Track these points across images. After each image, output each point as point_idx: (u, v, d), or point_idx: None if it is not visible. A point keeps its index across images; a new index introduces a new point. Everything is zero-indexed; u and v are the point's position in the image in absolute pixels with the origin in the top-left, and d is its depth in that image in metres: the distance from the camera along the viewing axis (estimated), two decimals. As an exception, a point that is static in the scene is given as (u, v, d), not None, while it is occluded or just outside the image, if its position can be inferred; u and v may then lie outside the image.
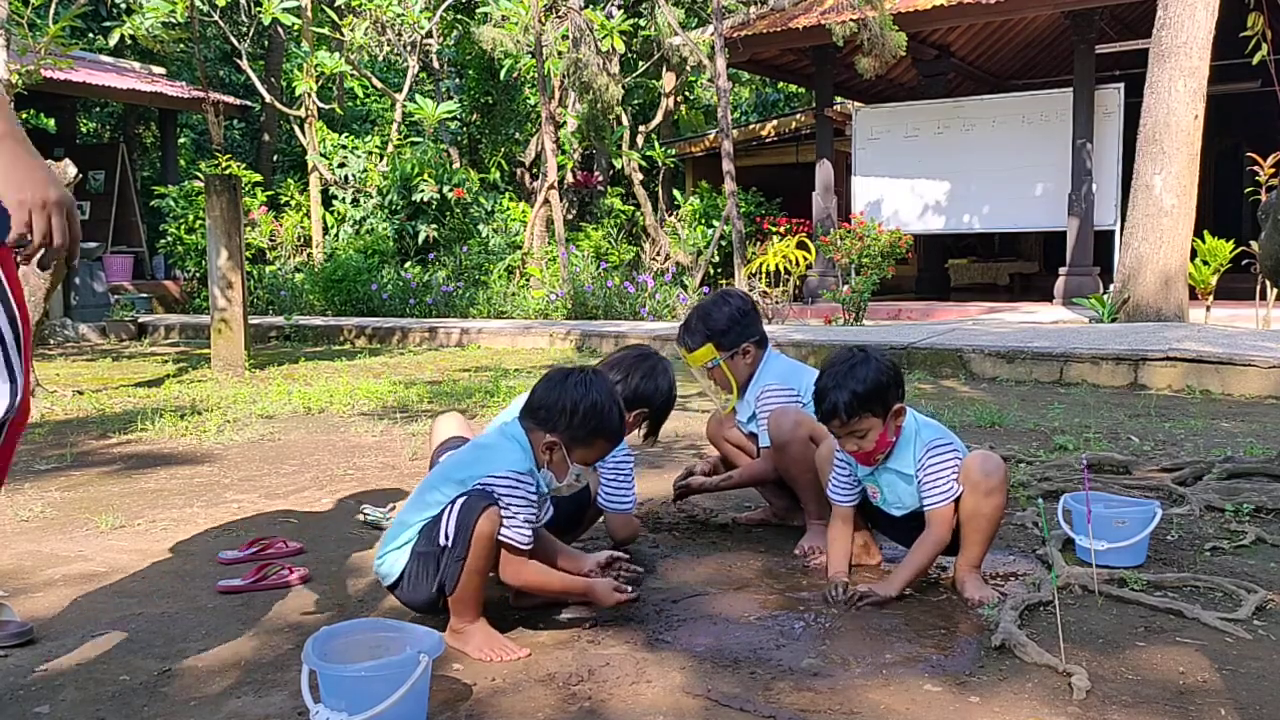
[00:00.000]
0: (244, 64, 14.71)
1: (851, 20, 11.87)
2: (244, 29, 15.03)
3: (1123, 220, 10.96)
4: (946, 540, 2.72)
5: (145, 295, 14.78)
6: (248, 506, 3.85)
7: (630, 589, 2.53)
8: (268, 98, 15.15)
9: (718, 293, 3.56)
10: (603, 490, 3.00)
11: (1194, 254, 10.31)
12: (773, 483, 3.44)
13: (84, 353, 10.27)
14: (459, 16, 16.85)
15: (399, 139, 15.32)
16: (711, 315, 3.37)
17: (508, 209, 14.91)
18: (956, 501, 2.70)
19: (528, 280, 13.16)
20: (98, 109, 21.21)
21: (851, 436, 2.70)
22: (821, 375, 2.73)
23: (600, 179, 16.46)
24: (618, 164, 15.69)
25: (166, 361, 9.13)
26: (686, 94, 19.43)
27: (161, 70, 17.72)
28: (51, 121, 18.69)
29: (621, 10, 15.64)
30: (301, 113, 15.13)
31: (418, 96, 15.49)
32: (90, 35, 18.01)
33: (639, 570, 2.77)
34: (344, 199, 15.19)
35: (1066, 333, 8.26)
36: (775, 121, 17.98)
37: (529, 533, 2.40)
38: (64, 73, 12.71)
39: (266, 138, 19.51)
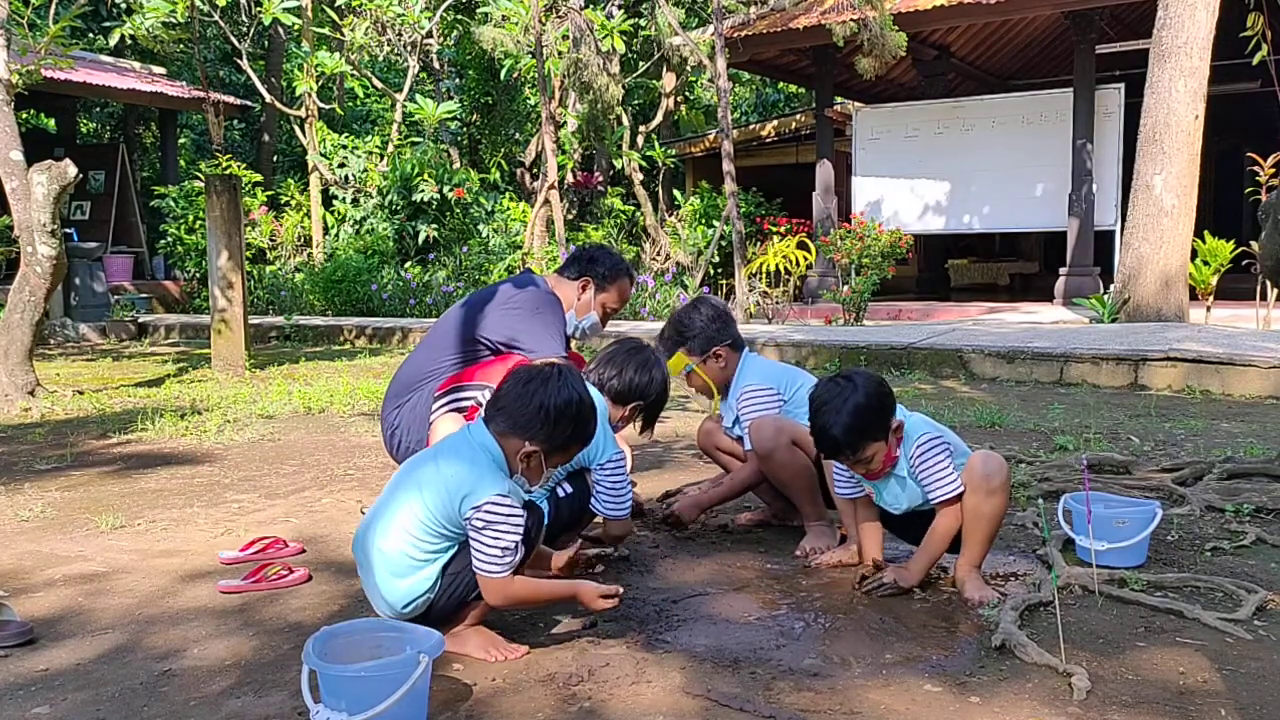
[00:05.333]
0: (244, 64, 14.70)
1: (851, 20, 11.86)
2: (244, 29, 15.02)
3: (1123, 220, 10.95)
4: (956, 529, 2.73)
5: (145, 295, 14.77)
6: (248, 506, 3.85)
7: (616, 591, 2.44)
8: (268, 98, 15.14)
9: (691, 300, 3.58)
10: (598, 496, 2.98)
11: (1194, 254, 10.30)
12: (769, 485, 3.44)
13: (84, 353, 10.27)
14: (459, 16, 16.85)
15: (399, 139, 15.31)
16: (682, 322, 3.41)
17: (508, 209, 14.91)
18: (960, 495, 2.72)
19: (528, 280, 13.11)
20: (98, 109, 21.20)
21: (859, 464, 2.71)
22: (817, 413, 2.69)
23: (600, 179, 16.45)
24: (618, 164, 15.69)
25: (166, 361, 9.13)
26: (686, 94, 19.42)
27: (161, 70, 17.71)
28: (51, 121, 18.68)
29: (621, 10, 15.63)
30: (302, 113, 15.13)
31: (418, 96, 15.49)
32: (90, 35, 18.00)
33: (609, 552, 2.90)
34: (344, 199, 15.19)
35: (1067, 333, 8.25)
36: (775, 121, 17.97)
37: (510, 558, 2.29)
38: (64, 73, 12.70)
39: (266, 138, 19.50)
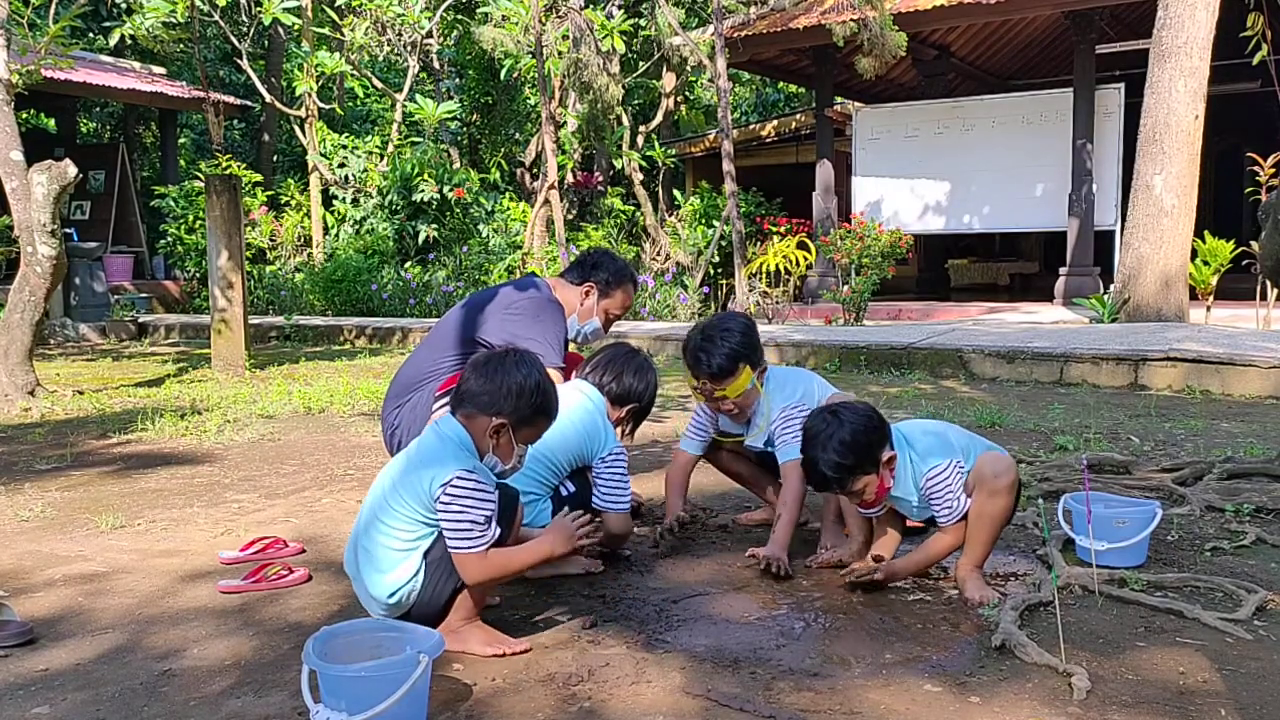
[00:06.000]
0: (244, 64, 14.70)
1: (851, 20, 11.85)
2: (244, 29, 15.02)
3: (1123, 220, 10.95)
4: (956, 547, 2.76)
5: (145, 295, 14.77)
6: (248, 506, 3.85)
7: (587, 521, 2.47)
8: (268, 98, 15.14)
9: (718, 317, 3.27)
10: (598, 492, 3.00)
11: (1194, 254, 10.30)
12: (772, 484, 3.45)
13: (84, 353, 10.27)
14: (459, 16, 16.84)
15: (399, 139, 15.31)
16: (735, 334, 3.13)
17: (508, 209, 14.91)
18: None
19: (528, 280, 13.11)
20: (98, 109, 21.20)
21: (850, 496, 2.72)
22: (806, 445, 2.68)
23: (600, 179, 16.45)
24: (618, 164, 15.68)
25: (166, 361, 9.13)
26: (686, 94, 19.41)
27: (161, 70, 17.71)
28: (51, 121, 18.68)
29: (622, 10, 15.63)
30: (302, 113, 15.13)
31: (418, 96, 15.48)
32: (90, 35, 18.00)
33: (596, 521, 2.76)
34: (344, 199, 15.18)
35: (1067, 333, 8.25)
36: (775, 121, 17.97)
37: (482, 533, 2.31)
38: (64, 73, 12.69)
39: (267, 138, 19.49)
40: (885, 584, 2.78)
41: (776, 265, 12.45)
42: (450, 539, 2.31)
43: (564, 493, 3.01)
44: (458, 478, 2.30)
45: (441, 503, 2.30)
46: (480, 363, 2.47)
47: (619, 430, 3.21)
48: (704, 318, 3.33)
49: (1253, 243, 6.13)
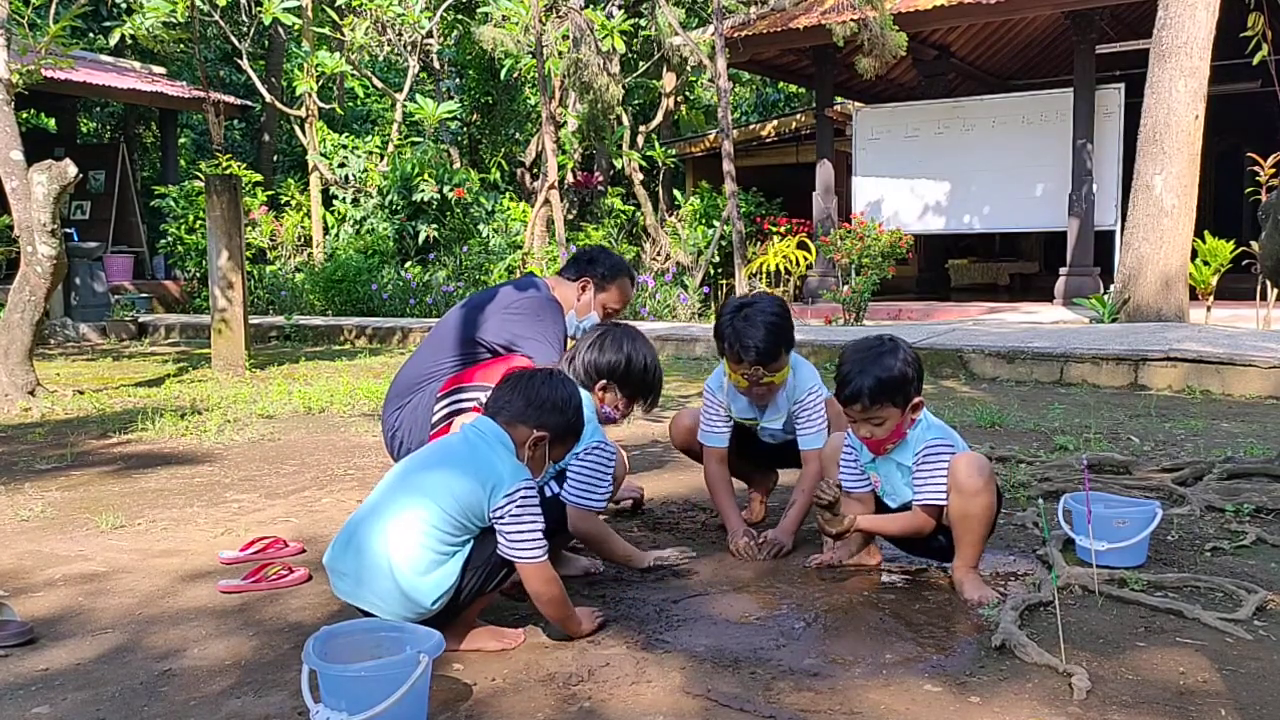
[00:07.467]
0: (244, 64, 14.71)
1: (852, 20, 11.85)
2: (244, 29, 15.03)
3: (1123, 220, 10.95)
4: (923, 530, 2.75)
5: (145, 295, 14.77)
6: (248, 506, 3.85)
7: (599, 620, 2.53)
8: (268, 98, 15.14)
9: (752, 299, 3.16)
10: (570, 480, 2.87)
11: (1194, 254, 10.30)
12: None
13: (84, 353, 10.27)
14: (459, 16, 16.84)
15: (399, 139, 15.31)
16: (774, 315, 3.08)
17: (508, 209, 14.90)
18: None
19: (528, 280, 13.10)
20: (98, 109, 21.19)
21: (868, 423, 2.72)
22: (847, 359, 2.73)
23: (601, 179, 16.44)
24: (618, 164, 15.68)
25: (166, 361, 9.13)
26: (687, 94, 19.40)
27: (162, 70, 17.72)
28: (52, 121, 18.68)
29: (622, 10, 15.62)
30: (302, 113, 15.13)
31: (418, 96, 15.48)
32: (90, 35, 18.00)
33: (691, 555, 2.99)
34: (344, 199, 15.18)
35: (1067, 333, 8.25)
36: (775, 121, 17.97)
37: (545, 542, 2.34)
38: (64, 73, 12.69)
39: (267, 138, 19.49)
40: (848, 529, 2.78)
41: (776, 265, 12.46)
42: (520, 550, 2.30)
43: (549, 494, 2.98)
44: (526, 487, 2.32)
45: (510, 513, 2.28)
46: (524, 377, 2.50)
47: (618, 414, 3.12)
48: (735, 298, 3.24)
49: (1253, 243, 6.13)
